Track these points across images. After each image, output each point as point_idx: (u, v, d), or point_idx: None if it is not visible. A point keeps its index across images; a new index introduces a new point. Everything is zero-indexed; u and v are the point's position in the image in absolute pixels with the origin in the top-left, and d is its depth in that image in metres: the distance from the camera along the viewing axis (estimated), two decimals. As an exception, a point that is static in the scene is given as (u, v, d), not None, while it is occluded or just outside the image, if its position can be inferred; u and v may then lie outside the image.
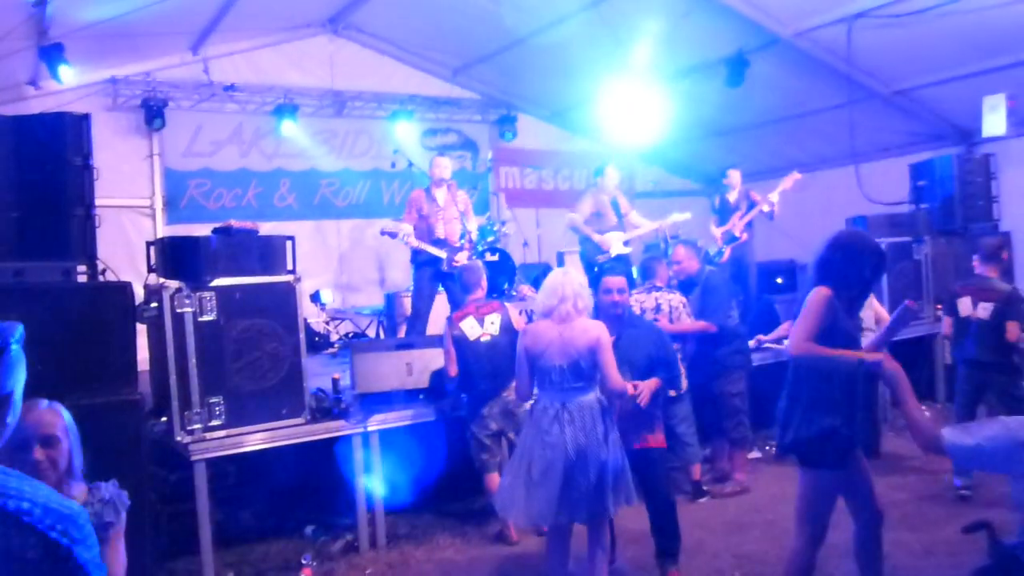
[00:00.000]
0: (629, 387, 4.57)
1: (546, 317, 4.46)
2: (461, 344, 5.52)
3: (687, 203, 11.48)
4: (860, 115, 9.53)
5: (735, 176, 8.92)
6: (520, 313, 5.94)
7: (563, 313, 4.38)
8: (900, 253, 8.80)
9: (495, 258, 9.44)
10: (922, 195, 9.63)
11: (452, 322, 5.58)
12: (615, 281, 5.01)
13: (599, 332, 4.39)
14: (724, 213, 8.93)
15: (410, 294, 8.01)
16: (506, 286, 9.29)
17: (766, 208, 8.60)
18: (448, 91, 11.67)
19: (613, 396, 4.45)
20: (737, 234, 8.67)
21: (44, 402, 2.75)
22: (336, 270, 10.96)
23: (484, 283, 5.66)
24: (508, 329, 5.39)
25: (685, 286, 6.30)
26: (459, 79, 11.68)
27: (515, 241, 10.81)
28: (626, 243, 8.22)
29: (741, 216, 8.68)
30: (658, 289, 6.10)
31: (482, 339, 5.42)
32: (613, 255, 8.10)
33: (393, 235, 7.25)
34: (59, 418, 2.73)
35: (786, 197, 8.84)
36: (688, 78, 9.88)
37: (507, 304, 5.59)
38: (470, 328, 5.47)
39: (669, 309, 6.02)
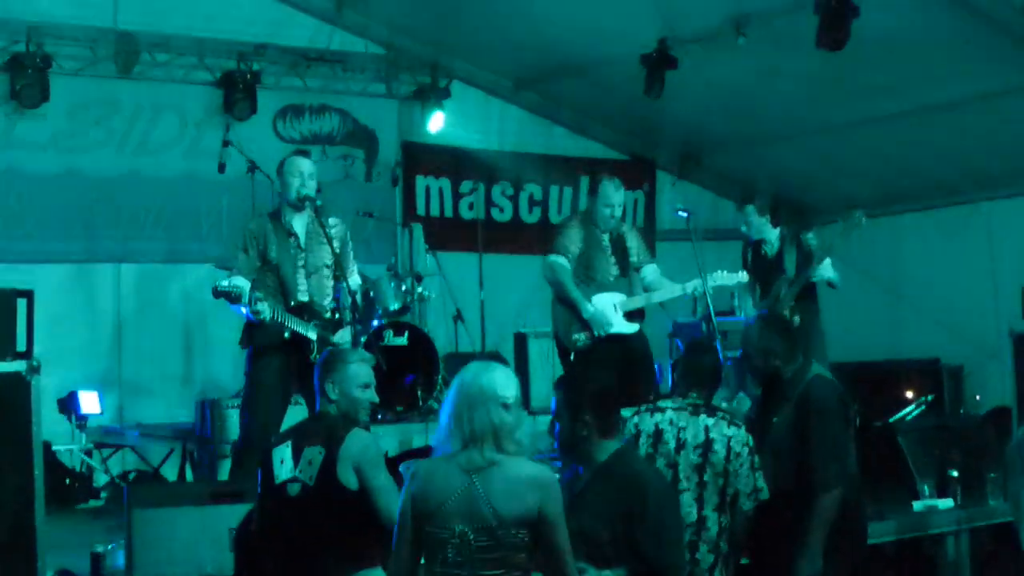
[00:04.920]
0: None
1: (448, 452, 4.52)
2: (264, 486, 5.64)
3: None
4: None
5: (758, 214, 9.07)
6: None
7: (478, 455, 4.41)
8: None
9: (402, 340, 9.50)
10: None
11: (267, 449, 5.72)
12: None
13: (546, 488, 4.44)
14: (762, 275, 9.11)
15: (239, 403, 8.00)
16: (419, 391, 9.34)
17: (821, 276, 8.71)
18: (327, 38, 11.85)
19: None
20: (786, 316, 8.69)
21: None
22: (110, 355, 10.96)
23: (357, 388, 5.73)
24: (329, 478, 5.44)
25: (766, 401, 6.37)
26: (348, 17, 11.88)
27: (440, 311, 10.92)
28: (632, 314, 8.37)
29: (791, 285, 8.79)
30: (710, 413, 6.10)
31: (289, 486, 5.52)
32: (604, 332, 8.22)
33: (235, 299, 7.24)
34: None
35: (916, 247, 9.06)
36: (755, 33, 10.21)
37: (359, 432, 5.63)
38: (280, 463, 5.59)
39: (727, 455, 6.02)
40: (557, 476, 4.60)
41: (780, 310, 8.59)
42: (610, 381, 6.07)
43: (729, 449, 5.92)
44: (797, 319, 8.60)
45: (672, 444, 5.88)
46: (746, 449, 5.96)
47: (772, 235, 9.03)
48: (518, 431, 4.52)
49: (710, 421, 5.97)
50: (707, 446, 5.92)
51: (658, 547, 4.94)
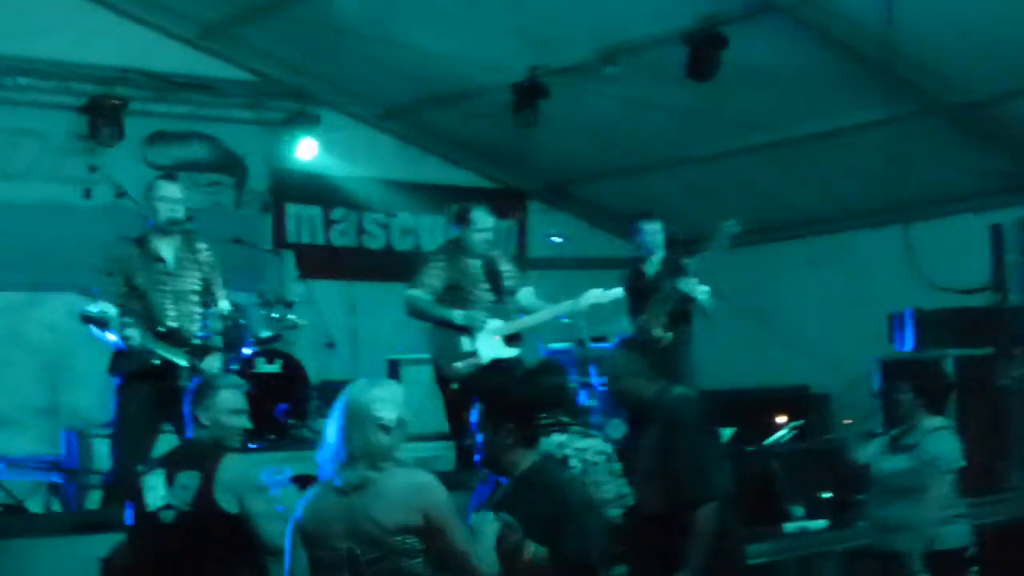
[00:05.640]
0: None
1: (328, 477, 4.59)
2: (136, 514, 5.57)
3: (620, 281, 11.89)
4: (909, 141, 10.22)
5: (648, 231, 9.22)
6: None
7: (353, 475, 4.48)
8: (975, 374, 9.33)
9: (273, 367, 9.43)
10: (1015, 277, 10.35)
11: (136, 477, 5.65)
12: None
13: (425, 491, 4.51)
14: (639, 296, 9.19)
15: (107, 432, 7.87)
16: (290, 420, 9.26)
17: (687, 289, 8.79)
18: (192, 64, 11.81)
19: None
20: (657, 333, 8.83)
21: None
22: (-33, 387, 10.68)
23: (228, 414, 5.68)
24: (207, 502, 5.39)
25: (632, 423, 6.45)
26: (214, 43, 11.84)
27: (312, 338, 10.86)
28: (510, 339, 8.38)
29: (663, 303, 8.87)
30: (563, 428, 6.20)
31: (162, 513, 5.47)
32: (485, 359, 8.24)
33: (103, 325, 7.17)
34: None
35: (786, 277, 9.17)
36: (624, 64, 10.34)
37: (235, 457, 5.59)
38: (151, 490, 5.52)
39: (583, 467, 6.10)
40: (433, 476, 4.63)
41: (651, 327, 8.67)
42: (530, 391, 6.08)
43: (585, 461, 6.01)
44: (670, 336, 8.69)
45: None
46: (602, 457, 6.08)
47: (659, 256, 9.13)
48: (396, 452, 4.58)
49: (562, 438, 6.08)
50: (562, 463, 5.98)
51: (583, 548, 4.98)
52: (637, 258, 9.30)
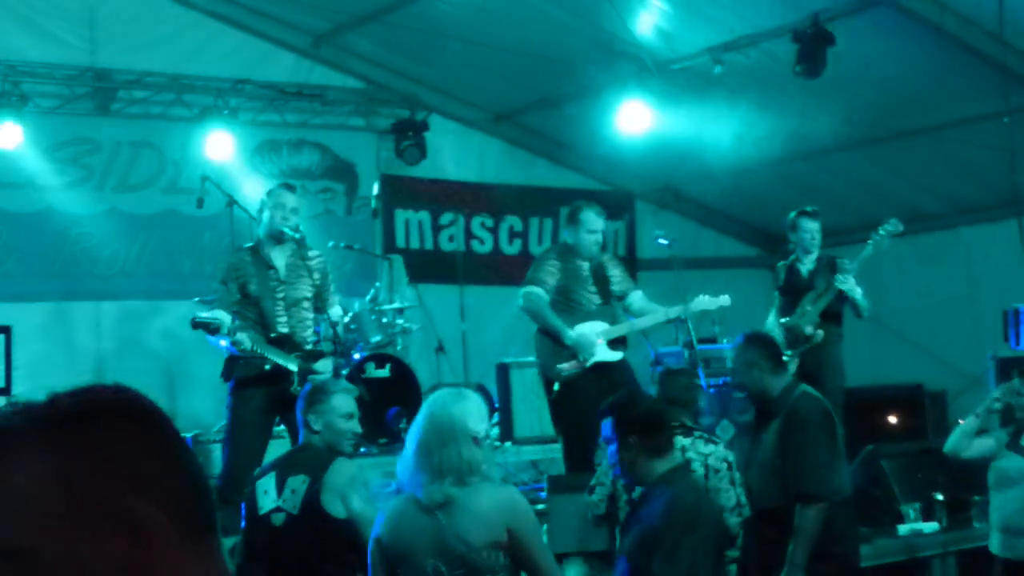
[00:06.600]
0: None
1: (415, 483, 4.50)
2: (249, 517, 5.67)
3: (730, 281, 11.83)
4: (1022, 134, 10.00)
5: (809, 229, 9.15)
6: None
7: (438, 491, 4.39)
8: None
9: (384, 372, 9.50)
10: None
11: (251, 481, 5.75)
12: None
13: (510, 507, 4.47)
14: (793, 294, 9.17)
15: (223, 437, 7.98)
16: (402, 424, 9.33)
17: (846, 287, 8.75)
18: (306, 73, 11.98)
19: None
20: (808, 331, 8.77)
21: None
22: (90, 391, 10.91)
23: (340, 419, 5.72)
24: (314, 506, 5.43)
25: (759, 417, 6.41)
26: (325, 52, 12.00)
27: (422, 343, 10.92)
28: (615, 342, 8.35)
29: (816, 301, 8.84)
30: (687, 432, 6.14)
31: (273, 516, 5.53)
32: (589, 362, 8.22)
33: (215, 331, 7.28)
34: None
35: (897, 274, 9.02)
36: (732, 63, 10.28)
37: (343, 461, 5.62)
38: (264, 493, 5.60)
39: (706, 473, 6.03)
40: (518, 492, 4.66)
41: (803, 325, 8.66)
42: (656, 403, 6.06)
43: (707, 467, 5.96)
44: (821, 334, 8.66)
45: None
46: (725, 465, 6.00)
47: (814, 254, 9.09)
48: (485, 465, 4.53)
49: (686, 441, 6.00)
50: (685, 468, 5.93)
51: (672, 570, 4.88)
52: (790, 255, 9.27)
